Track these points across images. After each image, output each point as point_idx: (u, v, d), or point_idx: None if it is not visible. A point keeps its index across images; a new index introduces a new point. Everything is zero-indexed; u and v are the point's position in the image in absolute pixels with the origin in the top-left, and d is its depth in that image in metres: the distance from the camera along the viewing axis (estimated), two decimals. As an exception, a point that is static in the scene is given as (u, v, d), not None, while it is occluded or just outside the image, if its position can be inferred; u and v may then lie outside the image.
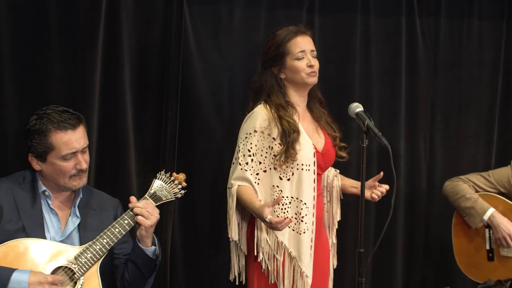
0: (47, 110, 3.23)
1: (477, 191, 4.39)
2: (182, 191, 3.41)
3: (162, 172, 3.39)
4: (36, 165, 3.24)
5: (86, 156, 3.29)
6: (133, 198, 3.30)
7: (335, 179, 3.99)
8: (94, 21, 3.98)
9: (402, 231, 4.75)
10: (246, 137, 3.70)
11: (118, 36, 4.05)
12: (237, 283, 3.86)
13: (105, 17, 4.01)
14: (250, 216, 3.76)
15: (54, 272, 3.08)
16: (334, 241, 4.01)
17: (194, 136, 4.31)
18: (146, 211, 3.22)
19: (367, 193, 3.81)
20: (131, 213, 3.23)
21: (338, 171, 4.05)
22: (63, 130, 3.18)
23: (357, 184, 3.91)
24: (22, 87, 3.90)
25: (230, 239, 3.78)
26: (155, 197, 3.32)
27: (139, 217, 3.21)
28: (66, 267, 3.10)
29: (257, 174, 3.69)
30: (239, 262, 3.82)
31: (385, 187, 3.82)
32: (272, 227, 3.53)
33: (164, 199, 3.34)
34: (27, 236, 3.12)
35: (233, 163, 3.76)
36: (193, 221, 4.35)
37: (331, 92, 4.19)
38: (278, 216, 3.66)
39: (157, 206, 3.31)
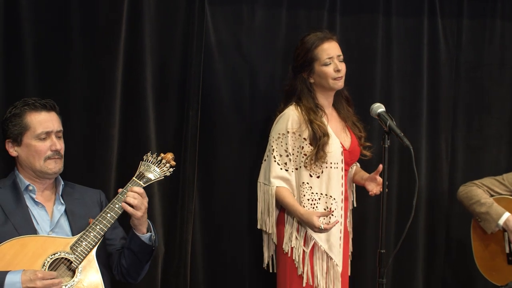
0: (22, 99, 3.37)
1: (491, 195, 4.38)
2: (171, 169, 3.44)
3: (149, 154, 3.43)
4: (13, 151, 3.33)
5: (61, 142, 3.37)
6: (120, 190, 3.31)
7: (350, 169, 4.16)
8: (115, 21, 3.99)
9: (423, 232, 4.73)
10: (279, 137, 3.91)
11: (139, 36, 4.06)
12: (270, 271, 4.06)
13: (126, 17, 4.02)
14: (280, 211, 3.96)
15: (52, 264, 3.10)
16: (350, 229, 4.17)
17: (215, 136, 4.30)
18: (136, 201, 3.23)
19: (369, 187, 3.98)
20: (120, 197, 3.25)
21: (358, 164, 4.18)
22: (38, 111, 3.31)
23: (366, 176, 4.05)
24: (43, 87, 3.90)
25: (265, 231, 4.00)
26: (143, 178, 3.34)
27: (130, 209, 3.22)
28: (64, 258, 3.14)
29: (292, 171, 3.91)
30: (268, 251, 4.06)
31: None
32: (322, 231, 3.80)
33: (153, 178, 3.37)
34: (19, 234, 3.17)
35: (265, 160, 3.98)
36: (214, 221, 4.35)
37: (353, 92, 4.18)
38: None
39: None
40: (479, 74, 4.81)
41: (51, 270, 3.09)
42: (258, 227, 4.01)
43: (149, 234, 3.34)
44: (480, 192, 4.36)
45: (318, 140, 3.86)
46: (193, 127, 4.17)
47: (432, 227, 4.78)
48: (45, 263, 3.09)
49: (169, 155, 3.46)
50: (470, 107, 4.80)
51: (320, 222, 3.78)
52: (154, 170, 3.39)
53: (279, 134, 3.92)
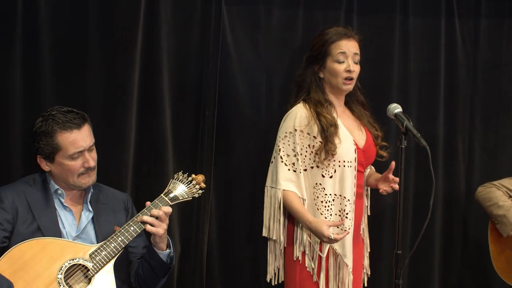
0: (52, 111, 3.28)
1: (511, 196, 4.35)
2: (200, 191, 3.44)
3: (180, 173, 3.42)
4: (46, 166, 3.30)
5: (94, 154, 3.34)
6: (148, 203, 3.32)
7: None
8: (133, 21, 4.01)
9: (439, 233, 4.71)
10: (285, 136, 3.74)
11: (157, 36, 4.07)
12: (273, 284, 3.89)
13: (144, 17, 4.04)
14: (289, 216, 3.79)
15: (69, 269, 3.12)
16: (363, 237, 4.03)
17: (232, 136, 4.32)
18: (156, 221, 3.24)
19: (381, 186, 3.82)
20: (146, 211, 3.26)
21: (372, 167, 4.08)
22: (69, 130, 3.23)
23: (379, 177, 3.90)
24: (60, 88, 3.93)
25: (270, 239, 3.83)
26: (171, 197, 3.34)
27: (149, 227, 3.23)
28: (81, 264, 3.15)
29: (300, 172, 3.72)
30: (275, 262, 3.85)
31: (397, 180, 3.74)
32: (331, 241, 3.62)
33: (180, 198, 3.37)
34: (43, 235, 3.18)
35: (272, 162, 3.80)
36: (230, 221, 4.36)
37: (369, 92, 4.17)
38: (321, 214, 3.73)
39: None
40: (496, 74, 4.78)
41: (67, 275, 3.10)
42: (264, 235, 3.82)
43: (168, 251, 3.35)
44: (499, 194, 4.34)
45: (326, 131, 3.68)
46: (209, 127, 4.18)
47: (449, 228, 4.76)
48: (62, 267, 3.10)
49: (200, 177, 3.45)
50: (487, 107, 4.78)
51: (330, 232, 3.59)
52: (183, 189, 3.38)
53: (285, 133, 3.75)
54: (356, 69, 3.79)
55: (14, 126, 3.84)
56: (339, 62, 3.76)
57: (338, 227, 3.72)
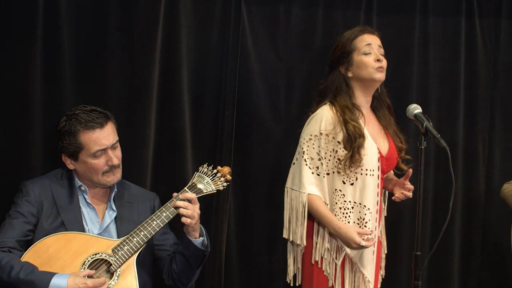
0: (76, 110, 3.33)
1: None
2: (225, 184, 3.45)
3: (205, 165, 3.45)
4: (70, 164, 3.35)
5: (118, 152, 3.38)
6: (175, 195, 3.35)
7: None
8: (152, 21, 4.02)
9: (459, 234, 4.69)
10: (310, 139, 3.69)
11: (176, 36, 4.08)
12: (291, 285, 3.88)
13: (163, 18, 4.05)
14: (308, 220, 3.73)
15: (92, 264, 3.16)
16: (381, 239, 3.99)
17: (251, 136, 4.32)
18: (188, 211, 3.28)
19: (396, 191, 3.79)
20: (169, 205, 3.29)
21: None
22: (91, 130, 3.27)
23: (395, 181, 3.90)
24: (80, 87, 3.95)
25: (290, 241, 3.80)
26: (195, 189, 3.37)
27: (184, 218, 3.28)
28: (104, 259, 3.19)
29: (323, 177, 3.69)
30: (295, 263, 3.82)
31: (411, 188, 3.75)
32: (361, 248, 3.60)
33: (204, 191, 3.39)
34: (66, 230, 3.23)
35: (294, 163, 3.77)
36: (249, 221, 4.36)
37: (389, 93, 4.16)
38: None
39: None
40: (517, 75, 4.76)
41: (91, 270, 3.14)
42: (285, 236, 3.79)
43: (201, 239, 3.37)
44: None
45: (353, 142, 3.60)
46: (228, 127, 4.19)
47: (469, 229, 4.74)
48: (85, 261, 3.15)
49: (226, 169, 3.47)
50: (507, 108, 4.75)
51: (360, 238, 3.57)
52: (207, 182, 3.41)
53: (310, 135, 3.68)
54: (384, 60, 3.75)
55: (34, 125, 3.86)
56: (366, 54, 3.71)
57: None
